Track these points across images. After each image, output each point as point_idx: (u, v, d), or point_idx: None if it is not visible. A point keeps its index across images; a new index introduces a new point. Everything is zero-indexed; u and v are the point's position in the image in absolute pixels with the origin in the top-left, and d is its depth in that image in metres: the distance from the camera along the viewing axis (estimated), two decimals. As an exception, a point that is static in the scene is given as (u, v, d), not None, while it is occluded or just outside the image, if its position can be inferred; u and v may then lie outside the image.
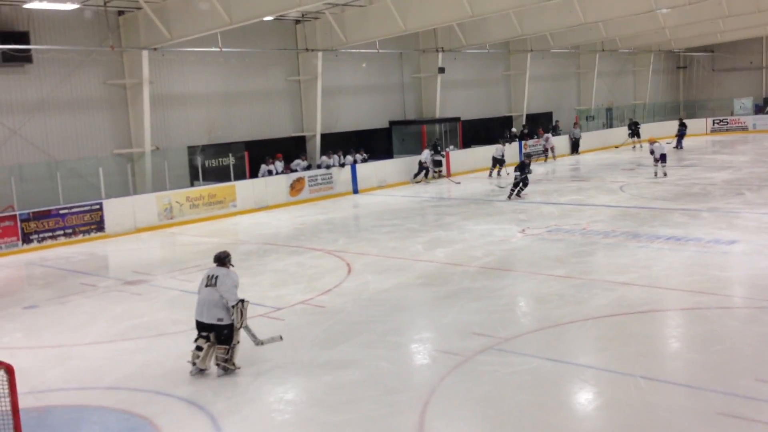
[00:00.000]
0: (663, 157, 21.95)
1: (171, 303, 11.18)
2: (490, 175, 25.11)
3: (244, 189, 20.23)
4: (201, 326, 7.97)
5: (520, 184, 19.70)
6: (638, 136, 32.05)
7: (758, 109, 39.69)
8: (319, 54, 23.14)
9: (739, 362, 7.64)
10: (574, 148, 31.25)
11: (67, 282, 13.01)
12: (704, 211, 16.21)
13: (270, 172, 20.97)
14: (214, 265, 8.10)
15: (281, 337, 8.43)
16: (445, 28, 26.50)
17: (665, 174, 21.94)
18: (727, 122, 38.41)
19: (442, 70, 27.34)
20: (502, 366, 7.81)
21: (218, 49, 20.47)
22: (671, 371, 7.61)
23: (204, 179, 20.42)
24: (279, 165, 21.61)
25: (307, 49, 23.20)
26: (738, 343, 8.23)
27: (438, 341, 8.89)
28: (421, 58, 27.76)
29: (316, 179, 22.00)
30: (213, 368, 8.02)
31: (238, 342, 7.99)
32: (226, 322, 7.83)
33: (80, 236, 16.84)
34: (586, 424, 6.62)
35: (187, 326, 9.81)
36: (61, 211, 16.63)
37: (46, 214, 16.38)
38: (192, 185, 20.21)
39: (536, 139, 30.07)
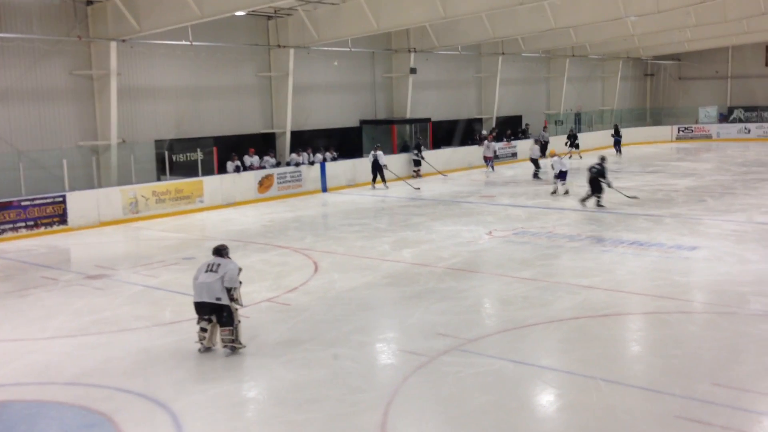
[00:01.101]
0: (562, 175, 20.09)
1: (133, 298, 11.04)
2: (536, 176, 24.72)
3: (212, 184, 20.06)
4: (201, 308, 8.39)
5: (597, 193, 18.03)
6: (576, 147, 31.26)
7: (722, 118, 40.46)
8: (291, 51, 23.03)
9: (697, 367, 7.78)
10: (542, 151, 31.37)
11: (28, 275, 12.78)
12: (667, 217, 16.47)
13: (237, 168, 20.81)
14: (213, 256, 8.61)
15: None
16: (417, 29, 26.56)
17: (567, 192, 20.08)
18: (692, 130, 39.10)
19: (413, 70, 27.39)
20: (465, 367, 7.85)
21: (188, 43, 20.27)
22: (631, 374, 7.72)
23: (171, 174, 20.20)
24: (255, 159, 21.46)
25: (278, 46, 23.07)
26: (697, 348, 8.38)
27: (403, 341, 8.91)
28: (393, 58, 27.78)
29: (285, 177, 21.90)
30: (220, 347, 8.45)
31: (239, 321, 8.41)
32: (223, 302, 8.26)
33: (42, 229, 16.55)
34: (547, 426, 6.69)
35: (150, 322, 9.74)
36: (23, 203, 16.33)
37: (7, 206, 16.07)
38: (159, 179, 19.97)
39: (505, 142, 30.25)
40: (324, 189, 22.73)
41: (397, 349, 8.67)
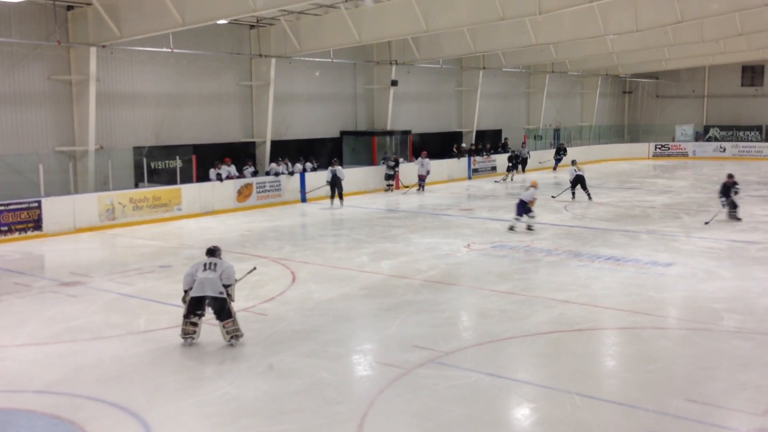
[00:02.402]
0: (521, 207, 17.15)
1: (108, 306, 10.91)
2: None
3: (191, 192, 19.93)
4: (200, 303, 8.90)
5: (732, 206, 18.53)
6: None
7: (698, 136, 41.01)
8: (273, 60, 23.02)
9: (671, 382, 7.84)
10: (522, 167, 31.38)
11: (0, 281, 12.59)
12: (643, 233, 16.62)
13: (219, 176, 20.70)
14: (206, 257, 9.23)
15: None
16: (399, 42, 26.68)
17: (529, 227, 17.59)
18: (669, 148, 39.58)
19: (395, 82, 27.49)
20: (441, 379, 7.85)
21: (169, 50, 20.19)
22: (606, 389, 7.76)
23: (149, 181, 20.05)
24: (232, 169, 21.31)
25: (260, 55, 23.05)
26: (671, 364, 8.45)
27: (379, 353, 8.89)
28: (374, 70, 27.87)
29: (264, 186, 21.82)
30: (224, 341, 8.96)
31: (236, 313, 9.08)
32: (224, 295, 8.91)
33: (16, 234, 16.33)
34: (521, 440, 6.69)
35: (124, 330, 9.64)
36: (-2, 208, 16.12)
37: (-19, 210, 15.85)
38: (136, 186, 19.82)
39: (485, 156, 30.40)
40: (303, 199, 22.67)
41: (373, 361, 8.65)
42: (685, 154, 39.08)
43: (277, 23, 22.56)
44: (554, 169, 32.80)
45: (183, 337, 9.02)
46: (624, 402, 7.27)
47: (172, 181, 20.09)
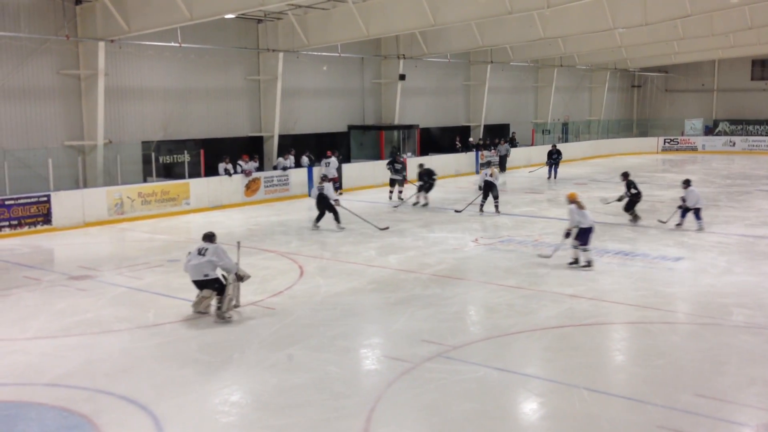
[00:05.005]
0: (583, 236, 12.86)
1: (117, 300, 10.95)
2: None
3: (199, 187, 19.97)
4: (196, 283, 9.72)
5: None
6: (551, 166, 26.93)
7: (708, 131, 40.81)
8: (280, 55, 23.01)
9: (680, 377, 7.82)
10: (502, 165, 29.33)
11: (10, 275, 12.66)
12: (652, 228, 16.56)
13: (226, 171, 20.72)
14: (202, 242, 9.81)
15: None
16: (407, 36, 26.62)
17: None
18: (678, 142, 39.39)
19: (402, 77, 27.44)
20: (449, 374, 7.85)
21: (177, 45, 20.21)
22: (614, 384, 7.75)
23: (157, 175, 20.10)
24: (250, 165, 21.27)
25: (268, 49, 23.05)
26: (680, 359, 8.42)
27: (387, 347, 8.89)
28: (382, 64, 27.83)
29: (272, 180, 21.84)
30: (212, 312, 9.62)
31: (230, 294, 9.66)
32: (210, 277, 9.57)
33: (26, 228, 16.40)
34: (529, 434, 6.69)
35: (133, 324, 9.68)
36: (7, 202, 16.17)
37: (-10, 204, 15.93)
38: (145, 181, 19.87)
39: (493, 150, 30.33)
40: (311, 193, 22.63)
41: (381, 355, 8.65)
42: (694, 149, 38.89)
43: (285, 17, 22.54)
44: (549, 177, 26.79)
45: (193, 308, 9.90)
46: (632, 397, 7.26)
47: (180, 175, 20.13)
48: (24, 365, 8.25)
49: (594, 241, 15.07)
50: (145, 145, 20.44)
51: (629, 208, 17.36)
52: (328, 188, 16.70)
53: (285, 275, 12.38)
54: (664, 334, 9.34)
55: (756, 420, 6.85)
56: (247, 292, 11.19)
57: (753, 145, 38.17)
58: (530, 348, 8.87)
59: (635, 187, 17.21)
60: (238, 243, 10.68)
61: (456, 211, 19.08)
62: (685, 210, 16.39)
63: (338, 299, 10.90)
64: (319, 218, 16.74)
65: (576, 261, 12.76)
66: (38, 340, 9.16)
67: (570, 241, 12.82)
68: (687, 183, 16.68)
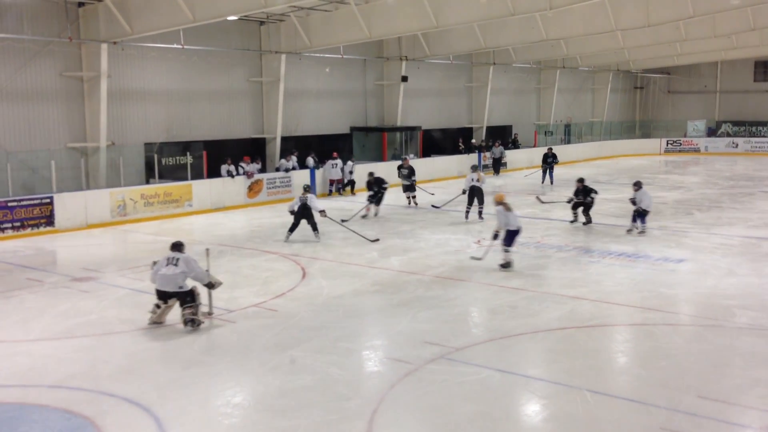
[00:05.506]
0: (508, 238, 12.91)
1: (120, 301, 10.96)
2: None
3: (201, 189, 20.00)
4: (164, 294, 9.39)
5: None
6: (546, 172, 25.82)
7: (710, 132, 40.76)
8: (283, 56, 23.04)
9: (683, 379, 7.80)
10: (497, 168, 29.24)
11: (13, 276, 12.68)
12: (655, 230, 16.53)
13: (229, 173, 20.74)
14: (170, 251, 9.56)
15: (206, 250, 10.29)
16: (409, 38, 26.65)
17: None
18: (680, 143, 39.36)
19: (405, 78, 27.46)
20: (451, 375, 7.84)
21: (180, 47, 20.23)
22: (617, 385, 7.74)
23: (160, 177, 20.13)
24: (252, 167, 21.27)
25: (270, 51, 23.08)
26: (683, 360, 8.41)
27: (389, 349, 8.89)
28: (384, 66, 27.85)
29: (275, 182, 21.86)
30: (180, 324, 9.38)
31: (201, 303, 9.47)
32: (185, 289, 9.33)
33: (29, 230, 16.43)
34: (532, 436, 6.68)
35: (135, 325, 9.69)
36: (10, 204, 16.20)
37: (-7, 206, 15.95)
38: (147, 183, 19.90)
39: (484, 153, 30.15)
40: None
41: (383, 356, 8.65)
42: (697, 150, 38.86)
43: (287, 19, 22.57)
44: (543, 182, 25.62)
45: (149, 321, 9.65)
46: (636, 398, 7.25)
47: (182, 177, 20.15)
48: (27, 367, 8.25)
49: (596, 242, 15.11)
50: (148, 146, 20.47)
51: (576, 207, 17.02)
52: (312, 199, 15.71)
53: (287, 277, 12.38)
54: (666, 335, 9.32)
55: (759, 422, 6.83)
56: (249, 294, 11.22)
57: (756, 147, 38.12)
58: (533, 350, 8.86)
59: (590, 195, 16.80)
60: (207, 250, 10.25)
61: (434, 207, 19.65)
62: (637, 214, 15.87)
63: (341, 301, 10.90)
64: (293, 228, 15.60)
65: (509, 264, 12.72)
66: (41, 341, 9.17)
67: (499, 242, 12.79)
68: (638, 185, 16.10)
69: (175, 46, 20.17)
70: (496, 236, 12.82)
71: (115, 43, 18.68)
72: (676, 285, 11.79)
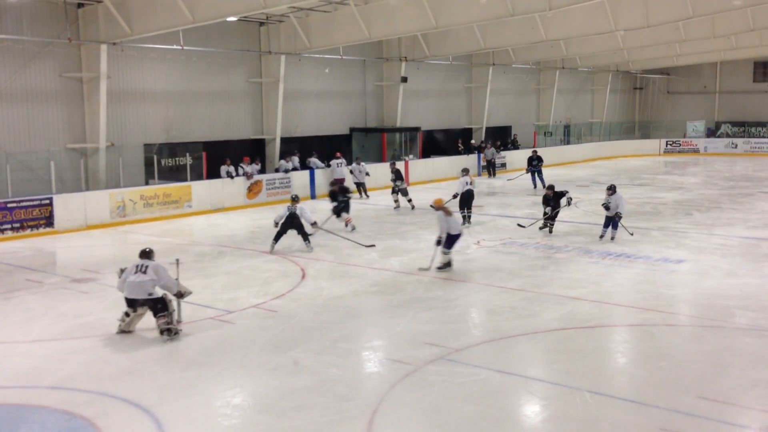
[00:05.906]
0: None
1: (119, 302, 10.85)
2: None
3: (201, 189, 20.00)
4: (133, 302, 9.21)
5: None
6: (536, 175, 24.65)
7: (710, 133, 40.78)
8: (282, 57, 23.04)
9: (682, 379, 7.80)
10: (490, 170, 28.74)
11: (13, 277, 12.68)
12: (654, 230, 16.55)
13: (228, 174, 20.74)
14: (139, 258, 9.39)
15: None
16: (409, 38, 26.65)
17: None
18: (680, 144, 39.38)
19: (404, 79, 27.47)
20: (451, 376, 7.84)
21: (179, 47, 20.23)
22: (617, 386, 7.74)
23: (159, 178, 20.13)
24: (252, 167, 21.24)
25: (270, 52, 23.08)
26: (682, 361, 8.41)
27: (389, 350, 8.89)
28: (384, 67, 27.85)
29: (274, 183, 21.86)
30: (157, 334, 9.18)
31: (174, 309, 9.24)
32: (155, 296, 9.13)
33: (28, 231, 16.43)
34: (532, 437, 6.68)
35: (135, 327, 9.67)
36: (9, 205, 16.20)
37: (-7, 207, 15.95)
38: (147, 184, 19.89)
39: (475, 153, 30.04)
40: (313, 196, 22.69)
41: (383, 357, 8.65)
42: (696, 151, 38.86)
43: (287, 20, 22.58)
44: (535, 187, 24.20)
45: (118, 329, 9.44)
46: (635, 399, 7.25)
47: (182, 178, 20.15)
48: (27, 368, 8.25)
49: (596, 243, 15.10)
50: (148, 147, 20.46)
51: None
52: (304, 210, 14.67)
53: (287, 278, 12.38)
54: (666, 336, 9.32)
55: (758, 423, 6.84)
56: (249, 295, 11.23)
57: (755, 147, 38.14)
58: (532, 350, 8.86)
59: (562, 197, 16.23)
60: (177, 260, 9.91)
61: (411, 204, 19.79)
62: (610, 219, 15.26)
63: (340, 302, 10.90)
64: (278, 237, 14.64)
65: (449, 264, 12.74)
66: (41, 342, 9.17)
67: (441, 248, 12.74)
68: (612, 189, 15.42)
69: (174, 47, 20.16)
70: (439, 242, 12.80)
71: (114, 44, 18.68)
72: (676, 285, 11.79)
